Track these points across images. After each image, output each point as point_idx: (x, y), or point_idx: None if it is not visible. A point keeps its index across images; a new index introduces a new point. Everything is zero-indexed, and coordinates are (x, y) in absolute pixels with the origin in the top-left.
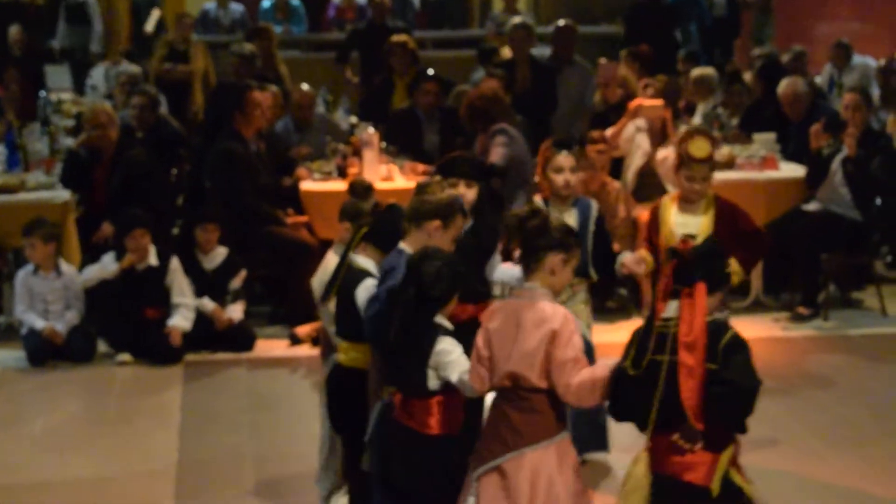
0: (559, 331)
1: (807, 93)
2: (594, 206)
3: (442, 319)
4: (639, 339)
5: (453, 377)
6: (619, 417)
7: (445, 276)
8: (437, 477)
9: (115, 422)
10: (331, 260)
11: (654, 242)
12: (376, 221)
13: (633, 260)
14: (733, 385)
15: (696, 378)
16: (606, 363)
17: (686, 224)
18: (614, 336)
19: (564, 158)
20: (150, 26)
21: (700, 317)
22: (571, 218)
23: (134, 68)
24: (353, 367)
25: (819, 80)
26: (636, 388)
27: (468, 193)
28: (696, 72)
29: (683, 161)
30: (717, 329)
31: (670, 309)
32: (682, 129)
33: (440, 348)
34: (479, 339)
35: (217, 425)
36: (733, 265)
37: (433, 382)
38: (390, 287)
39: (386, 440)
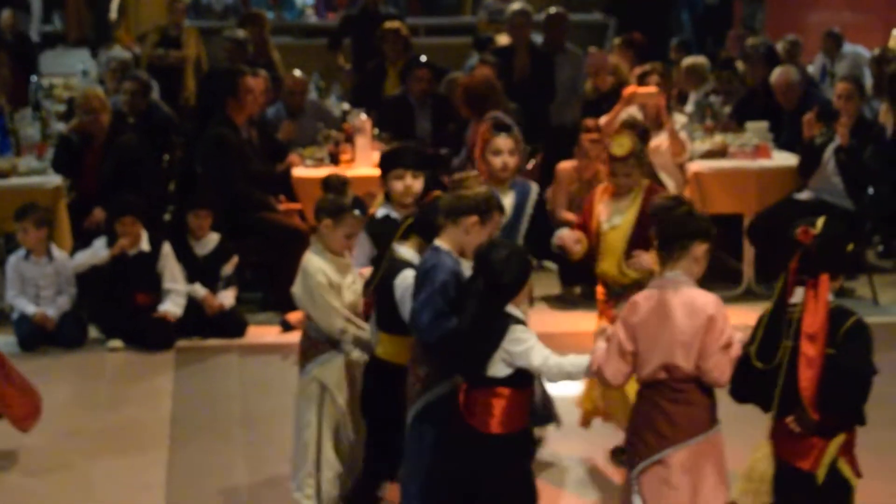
0: (715, 317)
1: (800, 81)
2: (534, 190)
3: (512, 308)
4: (766, 326)
5: (535, 362)
6: (741, 399)
7: (515, 263)
8: (503, 475)
9: (106, 407)
10: (313, 262)
11: (588, 227)
12: (424, 213)
13: (571, 238)
14: (846, 371)
15: (814, 368)
16: (741, 340)
17: (616, 212)
18: (581, 325)
19: (503, 141)
20: (113, 13)
21: (822, 309)
22: (509, 201)
23: (125, 54)
24: (392, 361)
25: (811, 69)
26: (760, 373)
27: (414, 184)
28: (688, 60)
29: (608, 157)
30: (839, 314)
31: (797, 295)
32: (675, 117)
33: (514, 337)
34: (621, 334)
35: (208, 411)
36: (652, 256)
37: (501, 371)
38: (442, 282)
39: (462, 442)
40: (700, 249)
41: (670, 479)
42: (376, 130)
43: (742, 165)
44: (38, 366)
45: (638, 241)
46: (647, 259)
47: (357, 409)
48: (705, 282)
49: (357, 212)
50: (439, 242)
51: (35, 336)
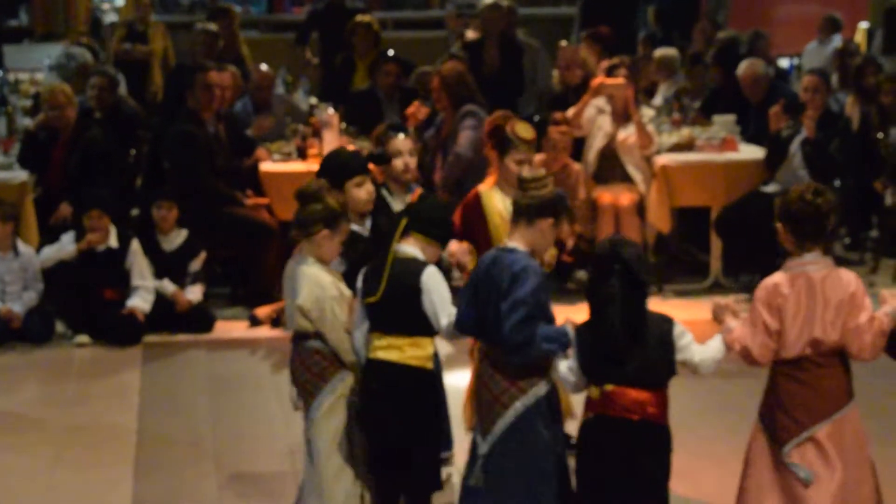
0: (857, 293)
1: (765, 75)
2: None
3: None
4: None
5: (696, 357)
6: None
7: (645, 259)
8: (666, 467)
9: (74, 403)
10: (320, 274)
11: (475, 237)
12: (419, 210)
13: (461, 250)
14: None
15: None
16: (888, 312)
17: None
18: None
19: (402, 142)
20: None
21: None
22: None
23: (86, 55)
24: (413, 365)
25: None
26: None
27: (372, 189)
28: (660, 52)
29: (513, 144)
30: None
31: None
32: (643, 110)
33: (679, 330)
34: (765, 314)
35: (176, 407)
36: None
37: (678, 368)
38: (536, 285)
39: (619, 439)
40: (831, 224)
41: (824, 453)
42: (344, 124)
43: (709, 158)
44: (4, 362)
45: None
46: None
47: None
48: (672, 276)
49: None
50: (513, 244)
51: (1, 332)
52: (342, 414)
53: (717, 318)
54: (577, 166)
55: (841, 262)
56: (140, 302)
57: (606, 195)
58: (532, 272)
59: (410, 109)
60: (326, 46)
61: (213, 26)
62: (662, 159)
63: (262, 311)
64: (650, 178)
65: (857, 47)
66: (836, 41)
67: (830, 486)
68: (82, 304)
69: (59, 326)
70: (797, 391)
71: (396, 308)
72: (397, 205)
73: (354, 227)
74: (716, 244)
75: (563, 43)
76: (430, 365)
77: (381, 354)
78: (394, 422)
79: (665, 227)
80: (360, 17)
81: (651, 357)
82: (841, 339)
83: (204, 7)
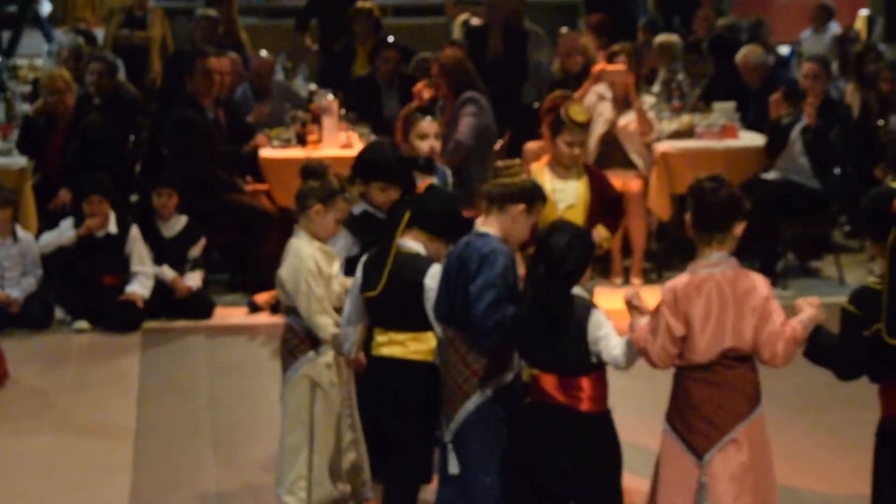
0: (769, 297)
1: (764, 61)
2: (449, 174)
3: (581, 292)
4: (890, 302)
5: (616, 351)
6: (879, 379)
7: (577, 248)
8: (598, 455)
9: (73, 389)
10: (304, 248)
11: None
12: (422, 203)
13: None
14: None
15: None
16: (801, 321)
17: (563, 190)
18: None
19: (429, 125)
20: None
21: None
22: (580, 187)
23: (76, 40)
24: (416, 360)
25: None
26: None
27: (395, 195)
28: (661, 38)
29: (565, 125)
30: None
31: None
32: (643, 97)
33: (595, 321)
34: (670, 318)
35: (175, 393)
36: (602, 231)
37: (593, 358)
38: (503, 267)
39: (539, 425)
40: (740, 229)
41: (746, 452)
42: (343, 111)
43: (709, 145)
44: (3, 348)
45: (594, 218)
46: (599, 235)
47: (354, 407)
48: (671, 263)
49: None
50: (485, 228)
51: (0, 318)
52: (303, 394)
53: (629, 311)
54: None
55: (841, 249)
56: (139, 288)
57: (616, 180)
58: (500, 254)
59: (417, 87)
60: (326, 33)
61: (212, 12)
62: (662, 146)
63: (262, 298)
64: (650, 164)
65: (857, 34)
66: (833, 28)
67: (746, 482)
68: (81, 290)
69: (59, 312)
70: (712, 394)
71: (397, 303)
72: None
73: (370, 208)
74: None
75: (564, 30)
76: (431, 358)
77: (384, 351)
78: (393, 415)
79: (665, 214)
80: (360, 4)
81: (566, 345)
82: (753, 344)
83: None
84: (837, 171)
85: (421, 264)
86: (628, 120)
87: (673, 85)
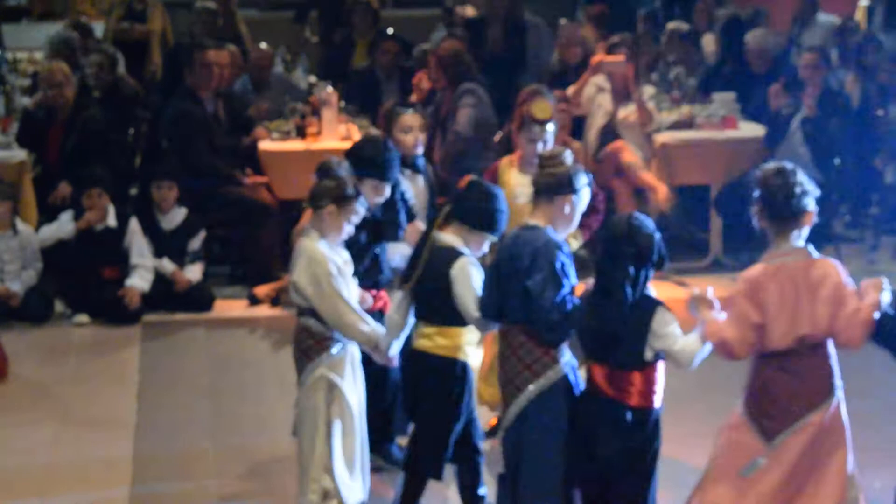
0: (840, 283)
1: (772, 47)
2: (429, 168)
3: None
4: None
5: (676, 346)
6: None
7: (659, 242)
8: (640, 449)
9: (73, 383)
10: (318, 249)
11: None
12: (463, 198)
13: None
14: None
15: None
16: (870, 303)
17: (525, 184)
18: None
19: (411, 118)
20: None
21: None
22: (420, 177)
23: (68, 33)
24: (440, 355)
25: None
26: None
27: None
28: (671, 25)
29: (525, 122)
30: None
31: None
32: (643, 88)
33: (661, 317)
34: (747, 306)
35: (175, 386)
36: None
37: (649, 354)
38: (561, 260)
39: (587, 416)
40: (809, 218)
41: (815, 440)
42: (343, 103)
43: (709, 136)
44: (3, 341)
45: None
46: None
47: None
48: (671, 254)
49: None
50: (534, 221)
51: (0, 311)
52: (321, 395)
53: (694, 309)
54: (576, 145)
55: (841, 239)
56: (139, 281)
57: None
58: (555, 246)
59: (416, 79)
60: (326, 25)
61: (211, 4)
62: (662, 137)
63: (262, 290)
64: (651, 155)
65: (856, 24)
66: (822, 19)
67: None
68: (81, 283)
69: (58, 305)
70: (788, 381)
71: (428, 296)
72: (405, 182)
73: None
74: (716, 222)
75: (564, 21)
76: (459, 355)
77: (415, 343)
78: (414, 406)
79: (665, 205)
80: None
81: (625, 338)
82: (829, 330)
83: None
84: (837, 161)
85: (451, 256)
86: (628, 111)
87: (669, 75)
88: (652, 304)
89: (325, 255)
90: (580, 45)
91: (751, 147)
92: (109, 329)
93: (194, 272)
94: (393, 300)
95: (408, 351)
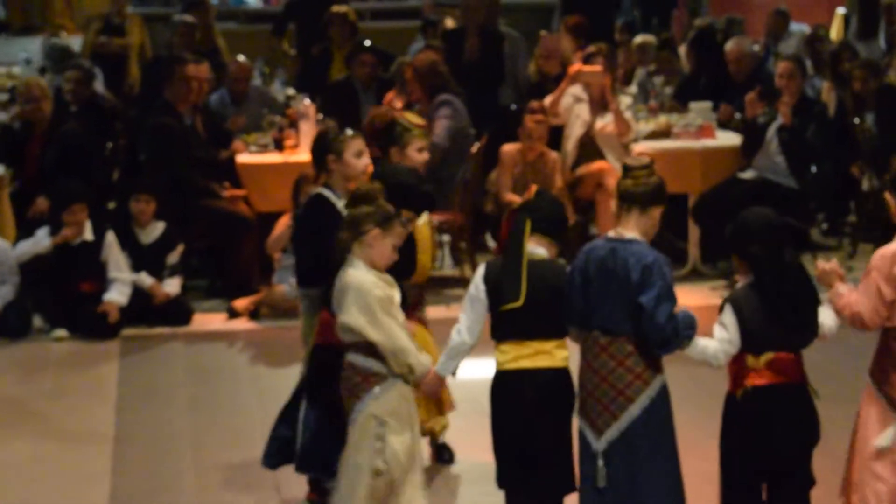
0: None
1: (752, 54)
2: None
3: None
4: None
5: (829, 321)
6: None
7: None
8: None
9: (51, 397)
10: (364, 278)
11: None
12: (540, 210)
13: None
14: None
15: None
16: None
17: None
18: None
19: (361, 142)
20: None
21: None
22: None
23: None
24: (564, 367)
25: (755, 47)
26: None
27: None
28: (639, 39)
29: (412, 132)
30: None
31: None
32: (620, 98)
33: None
34: (881, 282)
35: (154, 400)
36: None
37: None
38: (671, 276)
39: (782, 407)
40: None
41: None
42: (321, 115)
43: (686, 146)
44: None
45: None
46: None
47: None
48: None
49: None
50: (631, 234)
51: None
52: (369, 435)
53: (825, 281)
54: (553, 155)
55: (818, 247)
56: (117, 295)
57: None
58: (665, 262)
59: (387, 98)
60: (303, 37)
61: (190, 18)
62: (640, 147)
63: (240, 304)
64: None
65: (825, 33)
66: (797, 28)
67: None
68: (59, 297)
69: (37, 320)
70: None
71: (541, 311)
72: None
73: None
74: (693, 231)
75: (544, 33)
76: (568, 365)
77: (526, 363)
78: (544, 427)
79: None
80: (336, 8)
81: (812, 318)
82: None
83: None
84: (814, 169)
85: (559, 269)
86: (605, 122)
87: (649, 85)
88: (813, 282)
89: (372, 281)
90: (560, 56)
91: (727, 156)
92: (88, 343)
93: (173, 286)
94: (461, 321)
95: (514, 374)
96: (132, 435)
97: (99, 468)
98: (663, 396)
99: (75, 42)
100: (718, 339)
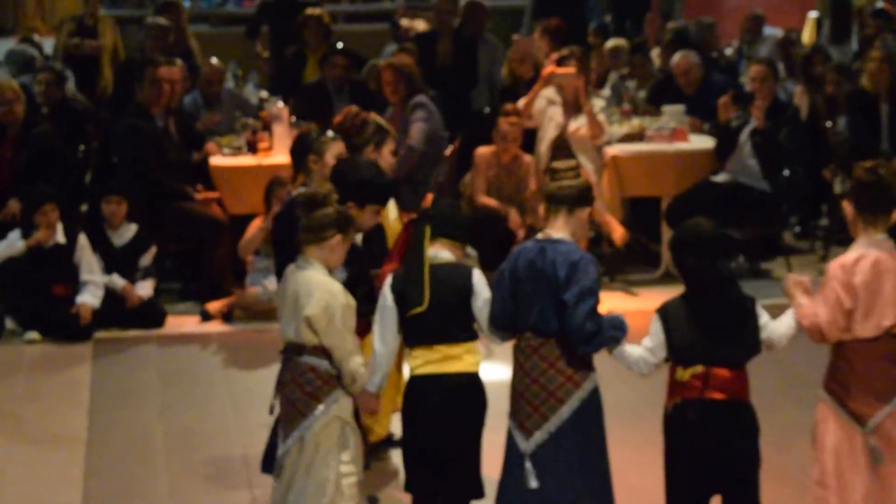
0: None
1: (698, 65)
2: None
3: None
4: None
5: (778, 332)
6: None
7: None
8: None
9: (24, 400)
10: (331, 282)
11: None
12: (440, 215)
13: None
14: None
15: None
16: None
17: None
18: None
19: (341, 144)
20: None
21: None
22: None
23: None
24: (473, 372)
25: (728, 51)
26: None
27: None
28: (610, 43)
29: (389, 133)
30: None
31: None
32: (593, 101)
33: (759, 309)
34: (840, 292)
35: (127, 403)
36: None
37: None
38: (596, 273)
39: (720, 423)
40: None
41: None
42: (294, 118)
43: (659, 149)
44: None
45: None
46: None
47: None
48: (623, 266)
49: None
50: (558, 234)
51: None
52: (333, 438)
53: (789, 293)
54: (527, 158)
55: (791, 250)
56: (89, 297)
57: None
58: (591, 261)
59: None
60: (277, 40)
61: (163, 20)
62: (613, 150)
63: (214, 306)
64: (601, 167)
65: (797, 36)
66: (769, 32)
67: None
68: (31, 300)
69: (9, 323)
70: (876, 365)
71: (447, 315)
72: None
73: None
74: (667, 234)
75: (517, 36)
76: (478, 370)
77: (432, 369)
78: (453, 432)
79: (616, 217)
80: (310, 10)
81: (748, 334)
82: None
83: (153, 1)
84: (787, 172)
85: (463, 270)
86: (578, 125)
87: (622, 89)
88: (749, 297)
89: (340, 288)
90: (533, 59)
91: (701, 159)
92: (60, 346)
93: (145, 288)
94: (374, 333)
95: (422, 380)
96: (105, 437)
97: (71, 471)
98: (594, 398)
99: (48, 44)
100: (643, 346)
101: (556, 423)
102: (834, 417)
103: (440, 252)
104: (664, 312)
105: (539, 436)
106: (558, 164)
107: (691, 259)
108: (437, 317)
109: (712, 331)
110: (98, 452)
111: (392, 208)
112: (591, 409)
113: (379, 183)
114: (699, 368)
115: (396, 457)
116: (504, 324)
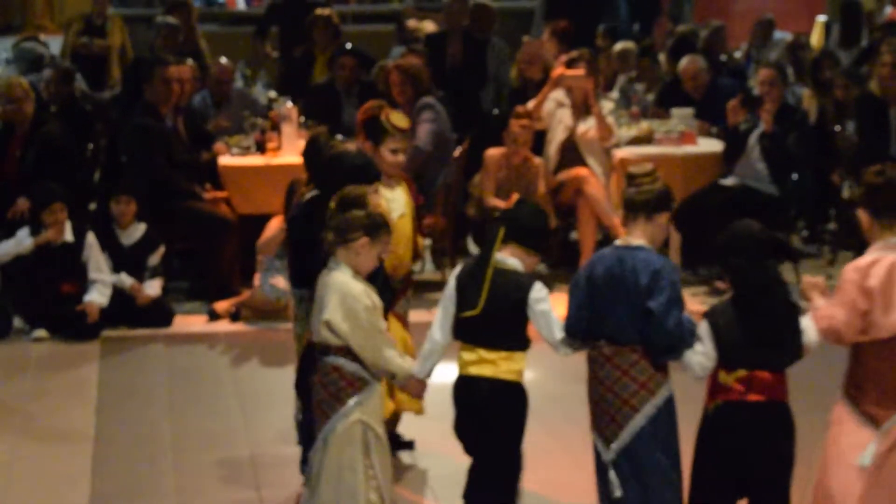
0: None
1: (705, 70)
2: None
3: None
4: None
5: (813, 337)
6: None
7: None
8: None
9: (31, 398)
10: (352, 284)
11: None
12: (516, 218)
13: None
14: None
15: None
16: None
17: (395, 199)
18: None
19: (400, 141)
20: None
21: None
22: (401, 195)
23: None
24: (508, 380)
25: (737, 55)
26: None
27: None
28: (619, 46)
29: (388, 132)
30: None
31: None
32: (602, 103)
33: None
34: (856, 294)
35: (134, 401)
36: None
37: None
38: (678, 281)
39: (756, 425)
40: None
41: None
42: (303, 118)
43: (668, 152)
44: None
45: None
46: None
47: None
48: None
49: None
50: (637, 241)
51: None
52: (356, 441)
53: (806, 296)
54: (537, 160)
55: (799, 255)
56: (97, 296)
57: (572, 182)
58: (673, 268)
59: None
60: (286, 40)
61: (172, 19)
62: (621, 152)
63: (221, 306)
64: (610, 171)
65: (807, 40)
66: (779, 36)
67: None
68: (40, 298)
69: (17, 321)
70: (889, 367)
71: (497, 322)
72: None
73: None
74: (675, 237)
75: (527, 38)
76: (520, 379)
77: (472, 370)
78: (481, 436)
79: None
80: (319, 11)
81: (792, 336)
82: None
83: (162, 0)
84: (795, 176)
85: (523, 282)
86: (587, 127)
87: (631, 91)
88: (794, 302)
89: (360, 289)
90: (542, 61)
91: (709, 162)
92: (68, 344)
93: (154, 287)
94: (435, 320)
95: (461, 380)
96: (112, 436)
97: (78, 469)
98: (669, 406)
99: (55, 43)
100: (697, 350)
101: (633, 430)
102: (849, 419)
103: (508, 258)
104: (712, 316)
105: (617, 444)
106: (635, 170)
107: (741, 260)
108: (488, 323)
109: (758, 335)
110: (105, 451)
111: (395, 207)
112: (667, 416)
113: (370, 169)
114: (742, 373)
115: (404, 456)
116: (578, 332)
